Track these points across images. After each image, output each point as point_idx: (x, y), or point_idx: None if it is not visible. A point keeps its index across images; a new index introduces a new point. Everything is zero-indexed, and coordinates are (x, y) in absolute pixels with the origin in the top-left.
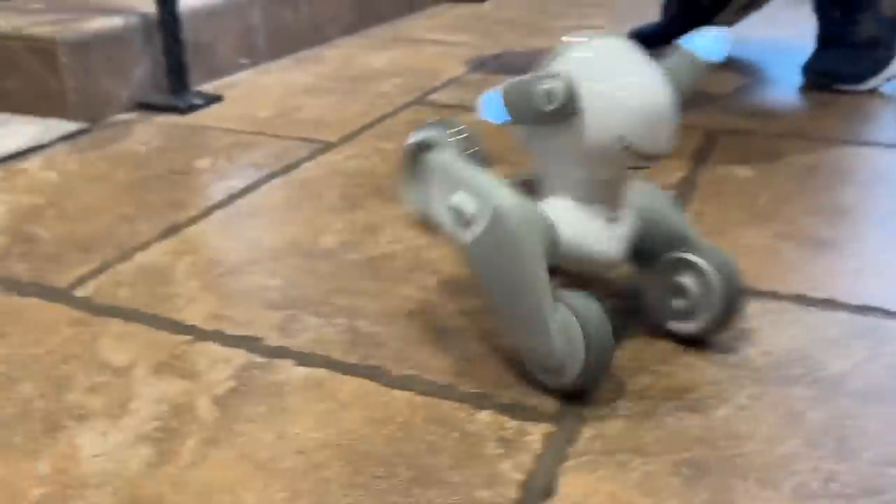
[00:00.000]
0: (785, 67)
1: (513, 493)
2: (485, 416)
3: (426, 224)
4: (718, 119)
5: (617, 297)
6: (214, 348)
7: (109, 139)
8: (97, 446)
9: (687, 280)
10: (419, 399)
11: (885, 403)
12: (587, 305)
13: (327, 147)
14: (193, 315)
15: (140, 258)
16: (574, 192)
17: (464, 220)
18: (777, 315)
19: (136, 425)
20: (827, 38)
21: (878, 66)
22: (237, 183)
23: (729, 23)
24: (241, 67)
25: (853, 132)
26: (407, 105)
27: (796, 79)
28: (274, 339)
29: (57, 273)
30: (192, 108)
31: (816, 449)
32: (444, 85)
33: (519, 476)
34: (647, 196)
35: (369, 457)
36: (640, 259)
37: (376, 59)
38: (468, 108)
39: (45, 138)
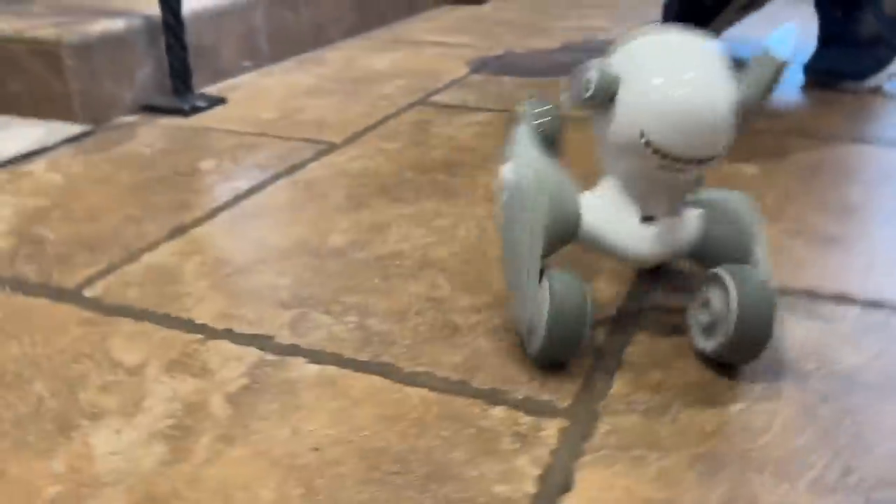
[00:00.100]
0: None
1: (530, 487)
2: (499, 411)
3: None
4: None
5: (637, 291)
6: (226, 346)
7: (114, 141)
8: (111, 444)
9: (713, 295)
10: (432, 395)
11: None
12: (565, 282)
13: (331, 148)
14: (203, 314)
15: (148, 258)
16: (611, 183)
17: (501, 188)
18: (789, 310)
19: (149, 423)
20: (828, 37)
21: (879, 65)
22: (242, 184)
23: (730, 22)
24: (244, 70)
25: (857, 130)
26: (410, 106)
27: (798, 77)
28: (285, 338)
29: (65, 274)
30: (195, 111)
31: (832, 442)
32: (447, 86)
33: (536, 471)
34: (723, 203)
35: (384, 453)
36: (702, 263)
37: (378, 60)
38: (471, 109)
39: (50, 141)
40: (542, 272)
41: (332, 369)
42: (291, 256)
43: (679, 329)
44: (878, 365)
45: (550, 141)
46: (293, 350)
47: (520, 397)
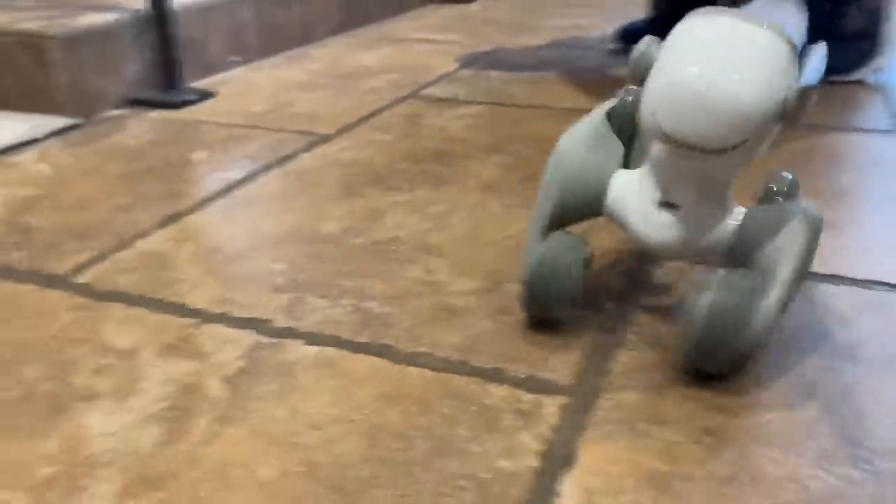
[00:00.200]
0: None
1: (534, 462)
2: (500, 389)
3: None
4: None
5: (643, 269)
6: (222, 330)
7: (102, 134)
8: (106, 426)
9: (694, 294)
10: (432, 375)
11: None
12: (560, 240)
13: (323, 139)
14: (198, 299)
15: (140, 246)
16: (645, 165)
17: None
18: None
19: (144, 405)
20: (815, 31)
21: (864, 58)
22: (234, 174)
23: None
24: (232, 65)
25: (844, 120)
26: (400, 99)
27: None
28: (282, 321)
29: (55, 261)
30: (184, 104)
31: (835, 417)
32: (437, 80)
33: (539, 446)
34: (774, 214)
35: (385, 431)
36: (731, 263)
37: (367, 56)
38: (461, 102)
39: (37, 133)
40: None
41: (330, 351)
42: (286, 243)
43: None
44: (875, 341)
45: (622, 121)
46: (290, 333)
47: (521, 376)
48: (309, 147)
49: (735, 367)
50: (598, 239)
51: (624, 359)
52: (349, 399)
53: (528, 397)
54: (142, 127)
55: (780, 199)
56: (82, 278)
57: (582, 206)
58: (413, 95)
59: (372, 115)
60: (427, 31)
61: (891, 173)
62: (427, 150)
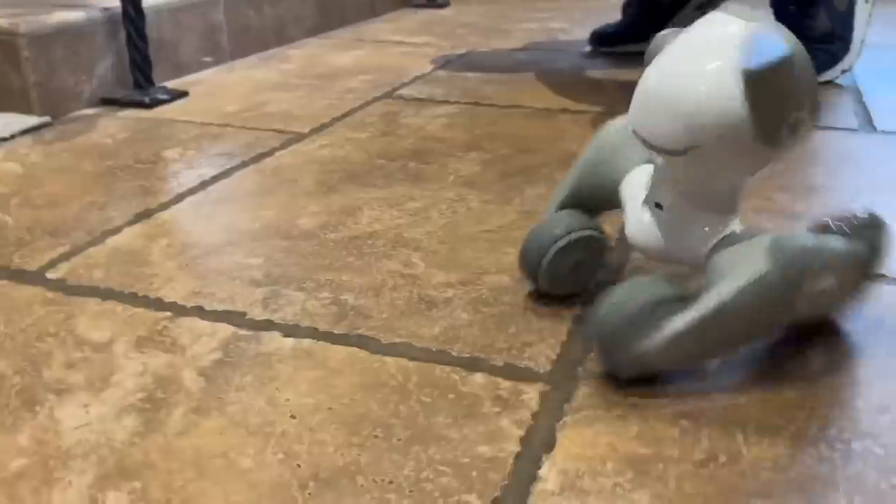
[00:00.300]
0: None
1: (513, 447)
2: (479, 377)
3: None
4: None
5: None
6: (197, 323)
7: (73, 132)
8: (79, 418)
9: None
10: (411, 364)
11: (873, 356)
12: (564, 213)
13: (298, 137)
14: (172, 293)
15: (112, 242)
16: None
17: None
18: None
19: (119, 397)
20: None
21: (833, 59)
22: (208, 171)
23: (687, 22)
24: (205, 65)
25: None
26: (376, 99)
27: None
28: (258, 314)
29: (26, 257)
30: (157, 103)
31: (810, 399)
32: (413, 81)
33: (518, 432)
34: (746, 237)
35: (365, 419)
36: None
37: (341, 58)
38: (438, 102)
39: (6, 132)
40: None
41: (307, 342)
42: (261, 238)
43: None
44: (849, 327)
45: None
46: (267, 325)
47: (499, 364)
48: (284, 145)
49: (631, 372)
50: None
51: None
52: (327, 389)
53: (506, 385)
54: (114, 125)
55: (834, 234)
56: (55, 274)
57: (599, 192)
58: (389, 95)
59: (347, 114)
60: (401, 34)
61: (859, 168)
62: (404, 148)
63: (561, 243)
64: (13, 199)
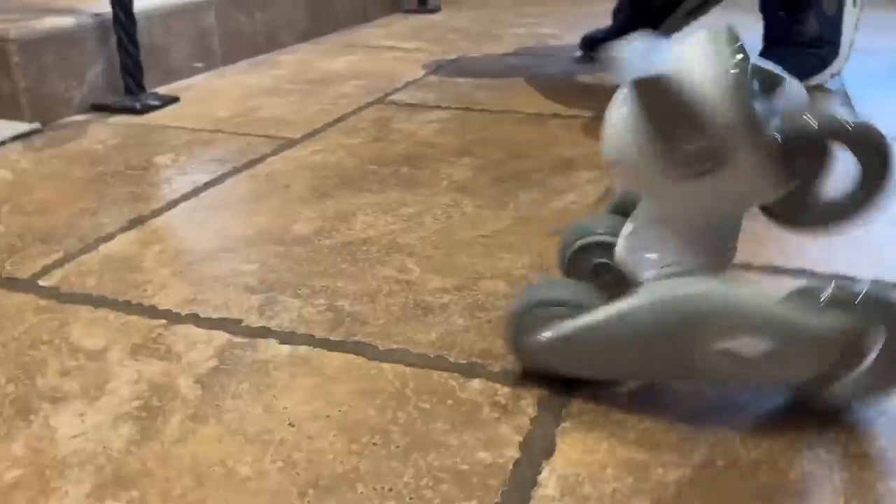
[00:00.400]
0: None
1: (513, 453)
2: (477, 384)
3: None
4: None
5: None
6: (192, 331)
7: (64, 138)
8: (75, 427)
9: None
10: (408, 371)
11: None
12: (600, 217)
13: (291, 143)
14: (167, 300)
15: (105, 248)
16: None
17: None
18: (752, 283)
19: (115, 405)
20: (773, 39)
21: (822, 64)
22: (200, 177)
23: (678, 26)
24: (196, 71)
25: None
26: (369, 104)
27: None
28: (254, 321)
29: (18, 265)
30: (148, 109)
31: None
32: (405, 86)
33: (517, 437)
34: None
35: (363, 426)
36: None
37: (333, 63)
38: (430, 107)
39: None
40: None
41: (304, 349)
42: (256, 244)
43: None
44: None
45: None
46: (263, 332)
47: (497, 370)
48: (276, 151)
49: (527, 363)
50: None
51: None
52: (325, 396)
53: (504, 390)
54: (105, 132)
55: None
56: (47, 281)
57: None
58: (381, 101)
59: (340, 119)
60: (393, 39)
61: (849, 173)
62: (397, 154)
63: (581, 242)
64: (4, 206)
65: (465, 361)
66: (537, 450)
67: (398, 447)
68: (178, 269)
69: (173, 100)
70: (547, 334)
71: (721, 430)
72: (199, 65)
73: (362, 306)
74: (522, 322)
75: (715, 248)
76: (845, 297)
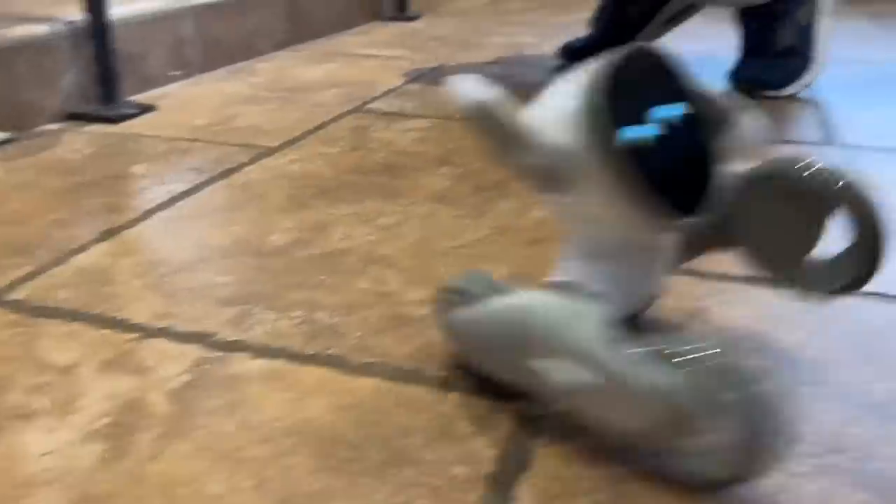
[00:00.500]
0: (712, 77)
1: (489, 467)
2: (453, 397)
3: None
4: None
5: None
6: (164, 345)
7: (38, 147)
8: (44, 445)
9: None
10: (385, 385)
11: (837, 372)
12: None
13: (269, 152)
14: (139, 314)
15: (77, 261)
16: None
17: None
18: (728, 295)
19: (85, 422)
20: (749, 49)
21: (796, 74)
22: (176, 187)
23: (656, 35)
24: (172, 79)
25: (780, 132)
26: (347, 113)
27: (723, 86)
28: (228, 334)
29: None
30: (123, 118)
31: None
32: (383, 94)
33: (493, 452)
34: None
35: (337, 442)
36: None
37: (312, 71)
38: (409, 116)
39: None
40: None
41: (279, 363)
42: (231, 255)
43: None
44: (815, 344)
45: None
46: (237, 346)
47: (474, 384)
48: (254, 160)
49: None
50: None
51: None
52: (299, 411)
53: (481, 404)
54: (79, 141)
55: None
56: (17, 294)
57: None
58: (360, 109)
59: (318, 128)
60: (373, 47)
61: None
62: (375, 163)
63: None
64: None
65: (441, 375)
66: (513, 464)
67: (373, 463)
68: (151, 282)
69: (149, 108)
70: (442, 319)
71: None
72: (177, 73)
73: (339, 318)
74: (435, 305)
75: (616, 279)
76: (682, 357)
